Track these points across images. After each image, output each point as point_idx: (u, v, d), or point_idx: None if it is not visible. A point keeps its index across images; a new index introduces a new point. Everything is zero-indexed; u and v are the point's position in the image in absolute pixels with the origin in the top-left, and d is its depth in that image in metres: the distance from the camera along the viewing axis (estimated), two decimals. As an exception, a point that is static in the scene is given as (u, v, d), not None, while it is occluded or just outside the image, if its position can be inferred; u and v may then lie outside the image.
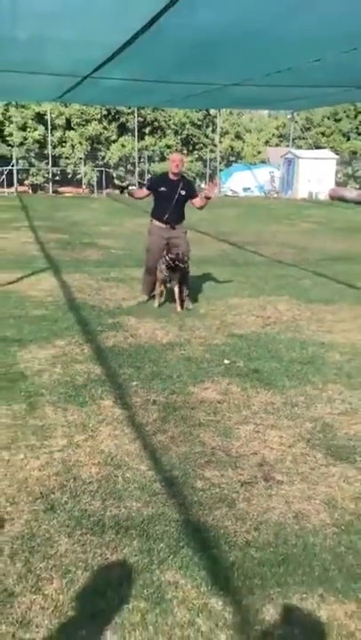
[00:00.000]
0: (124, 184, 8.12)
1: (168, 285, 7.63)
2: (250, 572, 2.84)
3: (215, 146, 32.19)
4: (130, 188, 7.92)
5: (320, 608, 2.65)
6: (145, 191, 7.78)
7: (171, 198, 7.28)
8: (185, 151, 32.55)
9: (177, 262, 7.29)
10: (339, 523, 3.27)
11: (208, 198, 7.42)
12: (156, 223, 7.52)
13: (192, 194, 7.45)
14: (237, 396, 4.94)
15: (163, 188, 7.32)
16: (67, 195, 29.22)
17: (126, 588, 2.73)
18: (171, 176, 7.35)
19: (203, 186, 8.03)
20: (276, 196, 29.47)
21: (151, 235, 7.64)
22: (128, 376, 5.29)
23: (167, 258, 7.29)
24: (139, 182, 29.06)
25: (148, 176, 29.99)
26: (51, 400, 4.74)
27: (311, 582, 2.80)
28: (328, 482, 3.68)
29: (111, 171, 31.19)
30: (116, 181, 7.13)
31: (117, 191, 7.84)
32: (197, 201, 7.46)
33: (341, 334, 6.68)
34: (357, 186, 31.19)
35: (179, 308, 7.46)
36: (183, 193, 7.31)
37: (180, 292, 7.54)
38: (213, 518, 3.27)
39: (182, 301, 7.56)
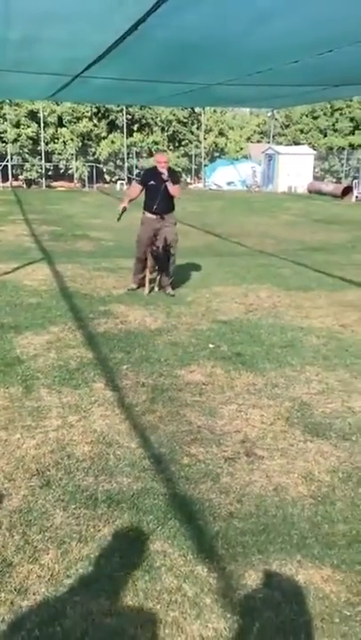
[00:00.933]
0: (119, 212, 7.40)
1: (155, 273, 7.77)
2: (233, 541, 2.88)
3: (200, 142, 32.02)
4: (121, 207, 7.69)
5: (298, 573, 2.69)
6: (137, 187, 7.69)
7: (159, 189, 7.30)
8: (171, 147, 32.37)
9: (156, 253, 7.50)
10: (315, 494, 3.31)
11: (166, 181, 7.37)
12: (147, 215, 7.54)
13: (174, 179, 7.44)
14: (221, 378, 4.97)
15: (152, 182, 7.36)
16: (59, 189, 28.99)
17: (118, 557, 2.75)
18: (159, 169, 7.36)
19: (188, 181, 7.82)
20: (257, 189, 29.44)
21: (142, 225, 7.65)
22: (118, 360, 5.29)
23: (153, 247, 7.45)
24: (128, 177, 28.89)
25: (136, 171, 29.80)
26: (46, 383, 4.73)
27: (290, 549, 2.84)
28: (306, 457, 3.72)
29: (101, 166, 30.96)
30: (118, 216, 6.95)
31: (118, 217, 7.41)
32: (174, 189, 7.41)
33: (319, 320, 6.72)
34: (334, 180, 31.18)
35: (157, 288, 7.80)
36: (169, 184, 7.33)
37: (163, 278, 7.76)
38: (199, 492, 3.30)
39: (164, 285, 7.78)
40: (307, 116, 33.71)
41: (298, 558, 2.78)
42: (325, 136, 33.21)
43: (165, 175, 7.28)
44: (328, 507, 3.19)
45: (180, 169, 31.65)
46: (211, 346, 5.73)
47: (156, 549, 2.81)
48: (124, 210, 7.69)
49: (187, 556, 2.77)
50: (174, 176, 7.58)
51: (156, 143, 31.58)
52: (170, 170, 7.53)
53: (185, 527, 2.98)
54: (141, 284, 7.83)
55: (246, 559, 2.76)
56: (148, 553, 2.78)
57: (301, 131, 33.80)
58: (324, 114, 33.22)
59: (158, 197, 7.34)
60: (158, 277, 7.79)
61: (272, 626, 2.39)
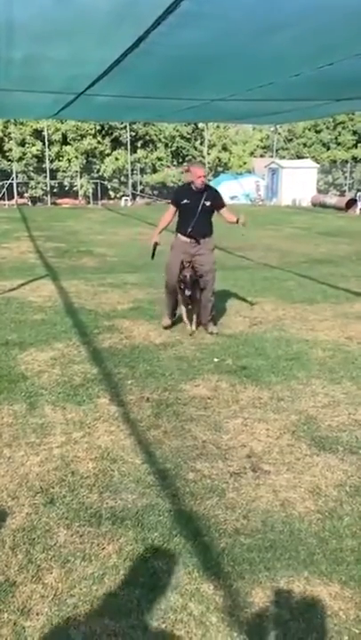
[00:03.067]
0: (152, 246, 6.78)
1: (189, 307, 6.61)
2: (239, 558, 2.83)
3: (204, 157, 32.21)
4: (155, 240, 6.64)
5: (306, 590, 2.64)
6: (171, 210, 6.58)
7: (194, 210, 6.35)
8: (175, 163, 32.57)
9: (183, 286, 6.35)
10: (323, 509, 3.26)
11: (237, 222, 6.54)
12: (180, 237, 6.52)
13: (218, 204, 6.50)
14: (226, 392, 4.93)
15: (186, 200, 6.41)
16: (64, 206, 29.16)
17: (122, 575, 2.71)
18: (194, 188, 6.40)
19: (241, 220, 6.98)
20: (261, 203, 29.53)
21: (173, 250, 6.59)
22: (123, 375, 5.27)
23: (180, 276, 6.35)
24: (132, 193, 29.02)
25: (140, 187, 29.96)
26: (50, 399, 4.71)
27: (297, 566, 2.79)
28: (312, 471, 3.67)
29: (106, 182, 31.15)
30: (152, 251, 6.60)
31: (152, 254, 6.94)
32: (226, 212, 6.59)
33: (324, 332, 6.68)
34: (337, 193, 31.25)
35: (191, 327, 6.56)
36: (208, 204, 6.39)
37: (199, 309, 6.58)
38: (204, 508, 3.25)
39: (202, 323, 6.62)
40: (309, 129, 33.90)
41: (305, 575, 2.73)
42: (328, 149, 33.37)
43: (209, 203, 6.36)
44: (336, 522, 3.14)
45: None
46: (215, 360, 5.70)
47: (161, 567, 2.76)
48: (156, 245, 6.66)
49: (192, 573, 2.73)
50: (215, 198, 6.52)
51: (160, 159, 31.81)
52: (210, 190, 6.56)
53: (190, 544, 2.93)
54: (182, 319, 6.69)
55: (253, 576, 2.71)
56: (152, 571, 2.74)
57: (304, 144, 33.99)
58: (327, 127, 33.40)
59: (194, 219, 6.38)
60: (197, 315, 6.62)
61: (280, 645, 2.34)
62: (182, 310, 6.65)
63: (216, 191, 6.74)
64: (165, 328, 6.66)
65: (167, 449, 3.92)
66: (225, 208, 6.61)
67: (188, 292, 6.36)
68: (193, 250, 6.45)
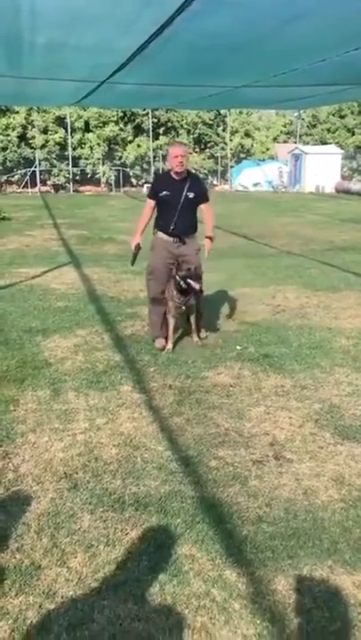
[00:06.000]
0: (133, 250, 5.71)
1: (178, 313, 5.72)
2: (262, 546, 2.83)
3: (226, 144, 31.97)
4: (136, 242, 5.77)
5: (329, 579, 2.63)
6: (149, 205, 5.65)
7: (175, 203, 5.42)
8: (197, 149, 32.36)
9: (190, 280, 5.41)
10: (346, 498, 3.24)
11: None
12: (162, 236, 5.58)
13: (202, 198, 5.58)
14: (249, 379, 4.91)
15: (165, 192, 5.45)
16: (86, 193, 29.22)
17: (146, 561, 2.73)
18: (173, 175, 5.44)
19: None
20: (284, 190, 29.24)
21: (154, 250, 5.66)
22: (146, 362, 5.28)
23: (177, 278, 5.43)
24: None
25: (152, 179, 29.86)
26: (73, 386, 4.74)
27: (320, 554, 2.78)
28: (336, 460, 3.65)
29: (128, 170, 31.10)
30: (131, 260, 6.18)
31: (132, 260, 6.48)
32: (206, 209, 5.68)
33: (348, 320, 6.61)
34: (362, 179, 30.81)
35: (196, 339, 5.81)
36: (191, 196, 5.44)
37: (197, 319, 5.85)
38: (227, 495, 3.25)
39: (198, 329, 5.89)
40: (334, 115, 33.38)
41: (329, 564, 2.72)
42: (353, 135, 32.84)
43: (192, 195, 5.44)
44: (360, 510, 3.12)
45: (205, 171, 31.63)
46: (238, 347, 5.68)
47: (184, 553, 2.78)
48: (138, 249, 5.76)
49: (215, 560, 2.73)
50: (200, 189, 5.59)
51: (169, 146, 31.63)
52: (193, 179, 5.58)
53: (213, 531, 2.94)
54: (167, 336, 5.65)
55: (276, 564, 2.71)
56: (175, 557, 2.75)
57: (328, 130, 33.50)
58: (352, 112, 32.86)
59: (176, 213, 5.43)
60: (194, 319, 5.80)
61: (303, 633, 2.33)
62: (169, 323, 5.63)
63: (200, 180, 5.94)
64: (162, 349, 5.57)
65: (190, 436, 3.92)
66: (207, 204, 5.67)
67: (190, 282, 5.42)
68: (177, 251, 5.54)
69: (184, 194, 5.42)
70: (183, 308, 5.60)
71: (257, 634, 2.32)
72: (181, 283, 5.41)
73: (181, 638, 2.31)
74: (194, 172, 6.38)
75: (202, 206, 5.64)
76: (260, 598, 2.51)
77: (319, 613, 2.43)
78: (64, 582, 2.59)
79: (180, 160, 5.33)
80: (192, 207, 5.55)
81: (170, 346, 5.60)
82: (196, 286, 5.48)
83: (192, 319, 5.80)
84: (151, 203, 5.63)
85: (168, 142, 30.85)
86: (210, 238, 5.75)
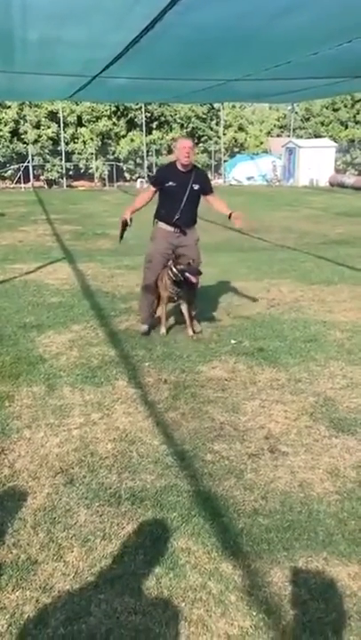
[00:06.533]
0: (120, 225, 5.74)
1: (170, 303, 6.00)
2: (258, 538, 2.85)
3: (219, 138, 31.91)
4: (125, 217, 5.75)
5: (324, 570, 2.65)
6: (149, 193, 5.80)
7: (181, 194, 5.54)
8: (191, 144, 32.26)
9: (189, 275, 5.54)
10: (341, 490, 3.26)
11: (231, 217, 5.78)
12: (163, 226, 5.70)
13: (207, 189, 5.74)
14: (244, 373, 4.93)
15: (171, 183, 5.57)
16: (80, 188, 29.11)
17: (142, 554, 2.74)
18: (180, 167, 5.57)
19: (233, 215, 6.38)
20: (278, 184, 29.22)
21: (155, 240, 5.79)
22: (140, 357, 5.28)
23: (174, 270, 5.56)
24: (148, 175, 28.91)
25: (155, 169, 29.76)
26: (68, 381, 4.75)
27: (316, 546, 2.80)
28: (331, 452, 3.67)
29: (121, 164, 31.02)
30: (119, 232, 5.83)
31: (120, 236, 5.86)
32: (214, 199, 5.81)
33: (342, 313, 6.63)
34: (356, 172, 30.80)
35: (190, 332, 5.83)
36: (196, 187, 5.60)
37: (190, 311, 5.89)
38: (223, 488, 3.27)
39: (192, 321, 5.92)
40: (327, 108, 33.31)
41: (324, 555, 2.74)
42: (346, 128, 32.80)
43: (197, 187, 5.59)
44: (354, 503, 3.14)
45: (199, 165, 31.59)
46: (233, 341, 5.69)
47: (180, 546, 2.79)
48: (125, 225, 5.78)
49: (211, 553, 2.75)
50: (204, 182, 5.75)
51: (176, 140, 31.54)
52: (198, 172, 5.74)
53: (209, 524, 2.96)
54: (157, 322, 6.01)
55: (272, 556, 2.73)
56: (172, 550, 2.77)
57: (322, 123, 33.44)
58: (345, 106, 32.81)
59: (180, 206, 5.56)
60: (187, 311, 5.85)
61: (299, 624, 2.35)
62: (161, 310, 5.88)
63: (205, 172, 6.10)
64: (144, 334, 5.83)
65: (185, 430, 3.94)
66: (213, 194, 5.83)
67: (178, 289, 5.64)
68: (177, 241, 5.70)
69: (190, 185, 5.57)
70: (176, 298, 5.79)
71: (253, 625, 2.34)
72: (179, 275, 5.53)
73: (178, 631, 2.32)
74: (200, 166, 6.37)
75: (209, 197, 5.79)
76: (256, 590, 2.53)
77: (315, 605, 2.45)
78: (61, 577, 2.60)
79: (188, 151, 5.50)
80: (196, 199, 5.69)
81: (163, 330, 5.85)
82: (194, 280, 5.59)
83: (184, 309, 5.86)
84: (152, 190, 5.76)
85: (173, 137, 30.80)
86: (231, 213, 5.75)
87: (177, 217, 5.61)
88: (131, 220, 5.75)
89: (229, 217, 5.77)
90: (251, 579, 2.59)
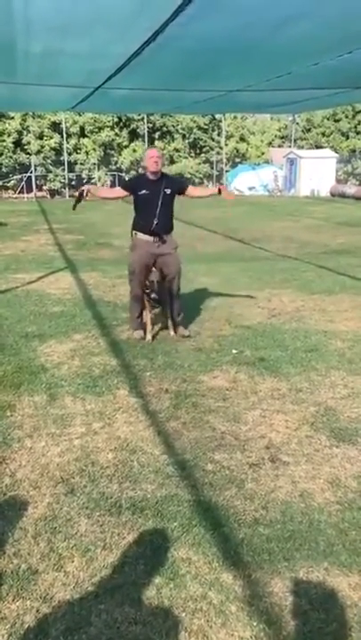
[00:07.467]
0: (76, 193, 6.05)
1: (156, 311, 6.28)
2: (258, 548, 2.84)
3: (221, 148, 32.04)
4: (85, 188, 5.97)
5: (325, 581, 2.64)
6: (117, 191, 6.22)
7: (155, 200, 5.75)
8: (192, 154, 32.43)
9: (152, 293, 5.92)
10: (342, 500, 3.25)
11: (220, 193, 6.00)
12: (142, 237, 5.89)
13: (180, 188, 5.98)
14: (245, 383, 4.93)
15: (144, 191, 5.78)
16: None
17: (143, 564, 2.74)
18: (150, 176, 5.81)
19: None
20: (279, 194, 29.31)
21: (135, 250, 5.97)
22: (142, 367, 5.29)
23: (147, 282, 5.91)
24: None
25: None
26: (70, 391, 4.75)
27: (317, 557, 2.79)
28: (332, 462, 3.66)
29: (123, 174, 31.16)
30: (70, 197, 5.53)
31: (74, 204, 6.06)
32: (193, 189, 6.13)
33: (343, 323, 6.64)
34: (357, 182, 30.90)
35: (172, 333, 6.12)
36: (168, 192, 5.81)
37: (172, 312, 6.14)
38: (223, 498, 3.27)
39: (175, 325, 6.17)
40: (328, 119, 33.48)
41: (325, 565, 2.73)
42: (347, 138, 32.97)
43: (169, 191, 5.81)
44: (355, 513, 3.13)
45: (200, 175, 31.70)
46: (234, 351, 5.70)
47: (180, 556, 2.78)
48: (81, 196, 5.95)
49: (212, 563, 2.74)
50: (175, 183, 6.05)
51: (178, 150, 31.71)
52: (167, 178, 5.97)
53: (210, 534, 2.95)
54: (143, 327, 6.16)
55: (272, 566, 2.72)
56: (172, 560, 2.76)
57: (323, 134, 33.60)
58: (346, 116, 32.97)
59: (156, 213, 5.75)
60: (168, 313, 6.18)
61: (300, 634, 2.35)
62: (146, 316, 6.10)
63: (174, 176, 6.13)
64: (142, 339, 6.00)
65: (186, 440, 3.94)
66: (191, 186, 6.12)
67: (154, 296, 5.95)
68: (157, 250, 5.85)
69: (162, 191, 5.79)
70: (157, 305, 6.10)
71: (254, 636, 2.33)
72: (148, 292, 5.92)
73: (178, 641, 2.31)
74: (167, 172, 6.72)
75: (189, 190, 6.07)
76: (256, 601, 2.52)
77: (315, 615, 2.44)
78: (61, 586, 2.60)
79: (156, 160, 5.75)
80: (170, 203, 5.89)
81: (149, 337, 6.01)
82: (154, 296, 5.93)
83: (168, 313, 6.16)
84: (122, 191, 6.13)
85: (175, 148, 30.96)
86: (220, 189, 6.02)
87: (155, 222, 5.78)
88: (87, 195, 5.92)
89: (219, 192, 5.99)
90: (251, 589, 2.59)
